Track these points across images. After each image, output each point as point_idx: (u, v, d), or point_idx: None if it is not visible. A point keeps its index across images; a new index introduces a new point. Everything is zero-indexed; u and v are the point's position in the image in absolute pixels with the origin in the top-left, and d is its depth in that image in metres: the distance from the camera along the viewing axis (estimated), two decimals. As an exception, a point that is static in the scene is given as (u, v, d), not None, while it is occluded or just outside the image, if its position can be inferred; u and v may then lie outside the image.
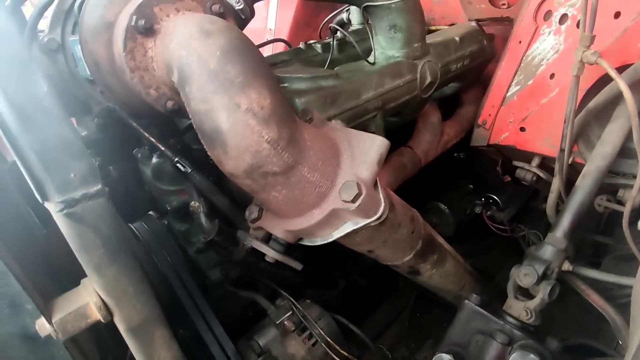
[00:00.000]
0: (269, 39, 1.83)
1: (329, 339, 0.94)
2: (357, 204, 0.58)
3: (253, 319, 1.03)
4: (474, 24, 1.34)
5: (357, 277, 1.29)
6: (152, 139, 0.76)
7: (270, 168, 0.53)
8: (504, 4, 1.23)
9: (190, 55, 0.51)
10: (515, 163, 1.12)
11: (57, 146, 0.36)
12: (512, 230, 1.50)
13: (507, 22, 1.29)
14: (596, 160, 0.88)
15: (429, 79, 1.10)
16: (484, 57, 1.33)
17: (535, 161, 1.10)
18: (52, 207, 0.37)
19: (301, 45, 1.29)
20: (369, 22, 1.07)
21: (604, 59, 0.81)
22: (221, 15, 0.62)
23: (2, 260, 0.38)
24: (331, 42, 1.27)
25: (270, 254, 0.65)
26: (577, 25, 0.91)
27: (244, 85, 0.50)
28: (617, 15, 0.83)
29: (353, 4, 1.10)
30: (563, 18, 0.96)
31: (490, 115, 1.16)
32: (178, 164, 0.78)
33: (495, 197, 1.55)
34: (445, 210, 1.55)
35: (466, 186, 1.63)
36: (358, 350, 1.07)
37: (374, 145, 0.62)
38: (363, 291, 1.32)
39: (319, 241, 0.67)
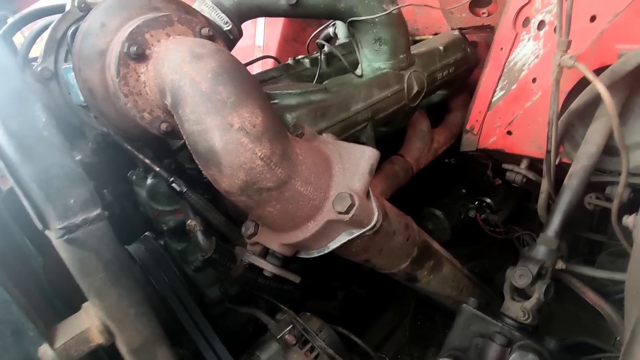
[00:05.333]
0: (257, 56, 1.86)
1: (330, 351, 0.94)
2: (350, 214, 0.59)
3: (254, 334, 1.03)
4: (457, 32, 1.37)
5: (355, 287, 1.29)
6: (147, 161, 0.77)
7: (264, 184, 0.55)
8: (484, 13, 1.27)
9: (182, 78, 0.53)
10: (505, 166, 1.15)
11: (57, 174, 0.37)
12: (506, 232, 1.52)
13: (489, 30, 1.33)
14: (581, 160, 0.90)
15: (415, 89, 1.13)
16: (468, 64, 1.36)
17: (524, 163, 1.13)
18: (53, 235, 0.38)
19: (290, 61, 1.31)
20: (355, 36, 1.09)
21: (583, 62, 0.84)
22: (210, 38, 0.64)
23: (5, 287, 0.38)
24: (319, 57, 1.30)
25: (268, 268, 0.66)
26: (555, 31, 0.94)
27: (235, 105, 0.52)
28: (592, 18, 0.86)
29: (338, 19, 1.12)
30: (541, 24, 0.99)
31: (477, 120, 1.19)
32: (173, 184, 0.79)
33: (488, 200, 1.58)
34: (440, 216, 1.57)
35: (459, 191, 1.65)
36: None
37: (364, 156, 0.63)
38: (363, 300, 1.32)
39: (315, 253, 0.68)
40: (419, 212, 1.55)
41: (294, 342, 0.92)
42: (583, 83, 0.90)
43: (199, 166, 0.56)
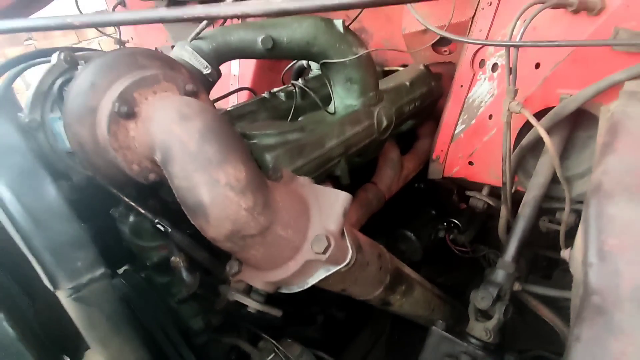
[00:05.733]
0: (233, 84, 1.91)
1: (311, 375, 0.98)
2: (327, 254, 0.66)
3: (239, 363, 1.06)
4: (422, 66, 1.48)
5: (334, 311, 1.35)
6: (132, 203, 0.81)
7: (248, 232, 0.60)
8: (445, 51, 1.38)
9: (171, 138, 0.58)
10: (468, 193, 1.24)
11: (66, 241, 0.42)
12: (473, 250, 1.62)
13: (451, 65, 1.44)
14: (533, 190, 1.01)
15: (385, 123, 1.22)
16: (433, 96, 1.47)
17: (485, 190, 1.23)
18: (63, 294, 0.42)
19: (266, 94, 1.37)
20: (327, 75, 1.17)
21: (529, 104, 0.95)
22: (194, 94, 0.70)
23: (16, 335, 0.42)
24: (293, 90, 1.37)
25: (253, 305, 0.71)
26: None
27: (221, 162, 0.57)
28: (537, 65, 0.97)
29: (312, 61, 1.20)
30: (494, 66, 1.10)
31: (442, 151, 1.28)
32: (158, 225, 0.82)
33: (456, 221, 1.68)
34: (411, 237, 1.66)
35: (429, 213, 1.74)
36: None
37: (338, 200, 0.70)
38: (341, 323, 1.38)
39: (295, 289, 0.73)
40: (392, 234, 1.63)
41: (273, 369, 0.96)
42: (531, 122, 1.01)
43: (188, 216, 0.61)
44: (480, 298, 0.92)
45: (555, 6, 0.83)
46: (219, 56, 1.03)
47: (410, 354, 1.53)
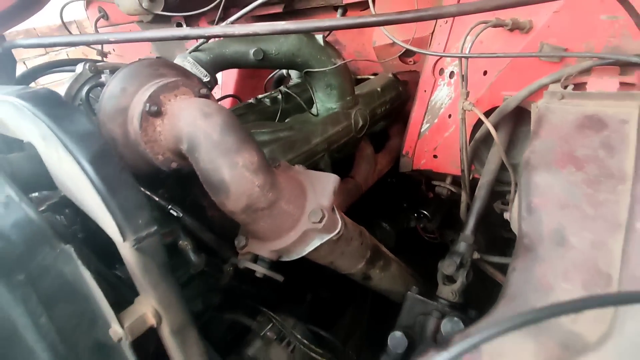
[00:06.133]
0: (216, 93, 2.04)
1: (305, 342, 1.12)
2: (322, 224, 0.81)
3: (237, 338, 1.19)
4: (390, 74, 1.68)
5: (321, 290, 1.49)
6: (148, 192, 0.93)
7: (259, 205, 0.75)
8: (410, 61, 1.58)
9: (197, 131, 0.72)
10: (434, 182, 1.43)
11: (132, 204, 0.55)
12: (441, 236, 1.81)
13: (416, 73, 1.64)
14: (486, 176, 1.20)
15: (361, 123, 1.39)
16: (401, 100, 1.66)
17: (448, 179, 1.42)
18: (128, 244, 0.56)
19: (252, 100, 1.52)
20: (309, 82, 1.34)
21: (479, 105, 1.14)
22: (207, 96, 0.84)
23: (91, 280, 0.55)
24: (277, 96, 1.52)
25: (261, 270, 0.85)
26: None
27: (238, 149, 0.72)
28: (485, 73, 1.17)
29: (296, 70, 1.36)
30: (451, 74, 1.30)
31: (410, 147, 1.47)
32: (172, 210, 0.95)
33: (425, 212, 1.87)
34: (386, 227, 1.84)
35: (401, 205, 1.93)
36: (329, 353, 1.26)
37: (329, 181, 0.86)
38: (327, 302, 1.52)
39: (294, 256, 0.88)
40: (368, 224, 1.80)
41: (275, 337, 1.10)
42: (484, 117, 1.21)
43: (210, 193, 0.75)
44: (446, 265, 1.10)
45: (495, 25, 1.03)
46: (215, 65, 1.17)
47: (388, 329, 1.70)
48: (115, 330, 0.58)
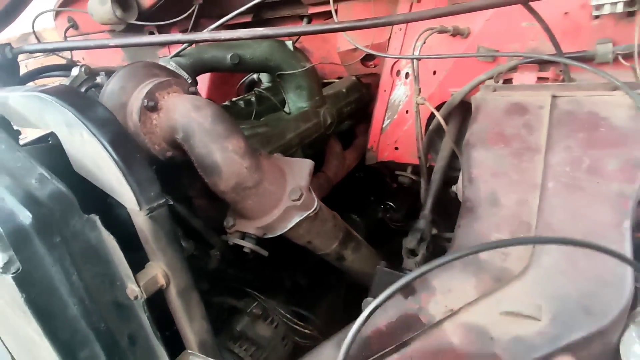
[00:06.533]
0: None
1: (288, 316, 1.24)
2: (301, 201, 0.94)
3: (225, 321, 1.29)
4: (354, 78, 1.84)
5: (299, 277, 1.61)
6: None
7: (247, 184, 0.87)
8: (371, 65, 1.76)
9: (190, 121, 0.84)
10: (397, 172, 1.60)
11: (146, 179, 0.66)
12: (406, 225, 1.99)
13: (376, 75, 1.82)
14: (439, 162, 1.38)
15: (329, 120, 1.54)
16: (364, 101, 1.83)
17: (409, 169, 1.59)
18: (143, 213, 0.66)
19: (227, 102, 1.64)
20: (281, 84, 1.47)
21: (431, 100, 1.32)
22: (195, 93, 0.96)
23: (114, 245, 0.65)
24: (250, 98, 1.65)
25: (249, 245, 0.97)
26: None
27: (227, 136, 0.84)
28: (434, 72, 1.36)
29: (268, 73, 1.49)
30: (406, 75, 1.48)
31: (374, 141, 1.63)
32: (163, 199, 1.05)
33: (391, 203, 2.04)
34: (356, 219, 1.99)
35: (368, 198, 2.10)
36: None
37: (305, 165, 0.99)
38: (304, 289, 1.65)
39: (277, 232, 1.00)
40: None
41: (260, 313, 1.20)
42: (437, 110, 1.39)
43: (203, 176, 0.86)
44: (409, 240, 1.26)
45: (440, 31, 1.22)
46: (195, 69, 1.29)
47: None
48: (133, 289, 0.68)
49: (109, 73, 0.96)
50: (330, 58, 2.01)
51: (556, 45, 0.99)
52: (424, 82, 1.31)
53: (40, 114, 0.69)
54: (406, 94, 1.49)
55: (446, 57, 1.19)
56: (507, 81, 1.12)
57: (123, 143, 0.65)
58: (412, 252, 1.28)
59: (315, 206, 0.99)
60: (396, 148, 1.56)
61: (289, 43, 1.39)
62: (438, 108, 1.33)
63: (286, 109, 1.47)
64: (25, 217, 0.57)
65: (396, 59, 1.51)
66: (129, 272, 0.67)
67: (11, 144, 0.66)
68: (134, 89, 0.88)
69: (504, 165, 0.90)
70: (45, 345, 0.66)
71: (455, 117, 1.39)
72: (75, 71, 0.98)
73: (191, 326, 0.78)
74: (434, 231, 1.32)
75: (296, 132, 1.39)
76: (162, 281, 0.72)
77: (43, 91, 0.67)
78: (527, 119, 0.95)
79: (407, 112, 1.50)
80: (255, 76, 1.95)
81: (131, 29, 2.02)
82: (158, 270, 0.71)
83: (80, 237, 0.63)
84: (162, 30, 2.08)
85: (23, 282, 0.57)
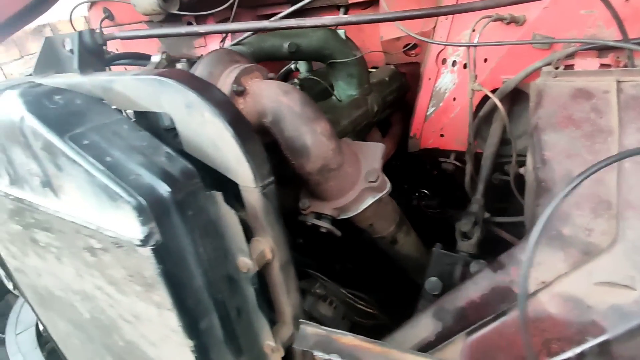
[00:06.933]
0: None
1: (350, 297, 1.29)
2: (377, 183, 0.98)
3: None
4: (392, 67, 1.87)
5: (347, 263, 1.66)
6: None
7: (332, 166, 0.91)
8: (413, 54, 1.78)
9: (280, 105, 0.87)
10: (441, 159, 1.63)
11: (260, 156, 0.70)
12: (442, 212, 2.03)
13: (415, 65, 1.85)
14: (489, 148, 1.41)
15: (376, 108, 1.57)
16: (404, 90, 1.86)
17: (453, 156, 1.62)
18: (257, 190, 0.70)
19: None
20: (333, 72, 1.50)
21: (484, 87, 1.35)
22: (273, 79, 0.99)
23: (233, 219, 0.69)
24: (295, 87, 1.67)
25: (325, 225, 1.00)
26: (464, 67, 1.46)
27: (316, 118, 0.87)
28: (485, 60, 1.39)
29: (321, 61, 1.51)
30: (454, 63, 1.51)
31: (418, 129, 1.66)
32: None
33: (425, 191, 2.08)
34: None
35: (402, 186, 2.13)
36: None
37: (377, 148, 1.03)
38: (350, 272, 1.69)
39: (350, 214, 1.04)
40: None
41: (323, 294, 1.25)
42: (484, 100, 1.42)
43: (290, 158, 0.90)
44: (463, 224, 1.29)
45: (496, 20, 1.25)
46: (256, 58, 1.32)
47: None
48: (246, 262, 0.72)
49: (190, 60, 0.99)
50: (365, 47, 2.03)
51: (623, 31, 1.02)
52: (476, 70, 1.34)
53: (156, 96, 0.72)
54: (453, 81, 1.52)
55: (505, 43, 1.21)
56: (567, 68, 1.15)
57: (241, 123, 0.69)
58: (465, 235, 1.32)
59: (388, 188, 1.03)
60: (442, 135, 1.59)
61: (342, 32, 1.41)
62: (488, 96, 1.36)
63: (336, 97, 1.50)
64: (164, 190, 0.61)
65: (442, 48, 1.53)
66: (245, 246, 0.71)
67: (132, 124, 0.70)
68: (221, 75, 0.92)
69: (577, 147, 0.93)
70: (165, 317, 0.70)
71: (504, 104, 1.41)
72: (156, 58, 1.01)
73: (288, 299, 0.82)
74: (487, 215, 1.35)
75: (349, 119, 1.42)
76: (269, 255, 0.75)
77: (160, 74, 0.70)
78: (595, 103, 0.98)
79: (454, 99, 1.52)
80: (292, 66, 1.98)
81: (169, 20, 2.05)
82: (266, 245, 0.75)
83: (204, 211, 0.67)
84: (199, 20, 2.11)
85: (161, 254, 0.61)
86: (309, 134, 0.86)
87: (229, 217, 0.69)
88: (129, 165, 0.61)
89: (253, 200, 0.72)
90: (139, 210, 0.58)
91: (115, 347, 1.00)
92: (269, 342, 0.82)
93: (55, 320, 1.30)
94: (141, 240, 0.59)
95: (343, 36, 1.41)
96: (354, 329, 1.33)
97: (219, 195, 0.68)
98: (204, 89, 0.68)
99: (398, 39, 1.71)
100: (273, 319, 0.85)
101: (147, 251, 0.60)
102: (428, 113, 1.62)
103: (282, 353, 0.82)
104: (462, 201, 1.68)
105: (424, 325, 0.79)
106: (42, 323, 1.48)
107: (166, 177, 0.62)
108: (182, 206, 0.62)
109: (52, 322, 1.37)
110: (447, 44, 1.45)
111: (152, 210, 0.59)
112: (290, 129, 0.87)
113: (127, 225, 0.60)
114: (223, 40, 1.93)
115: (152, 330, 0.77)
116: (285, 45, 1.32)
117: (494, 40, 1.34)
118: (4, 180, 0.86)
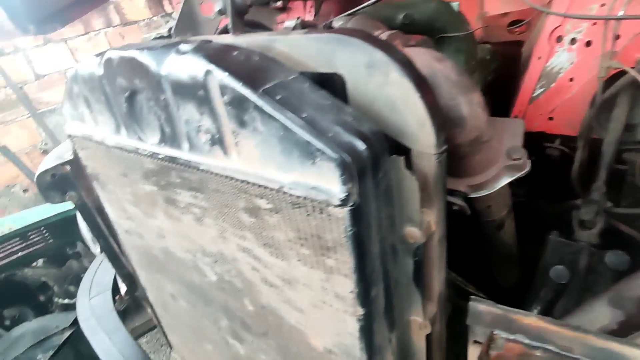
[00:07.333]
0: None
1: (459, 279, 1.25)
2: (520, 161, 0.92)
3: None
4: (489, 46, 1.77)
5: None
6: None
7: (484, 138, 0.86)
8: (516, 32, 1.68)
9: (435, 72, 0.82)
10: (546, 144, 1.54)
11: (441, 122, 0.66)
12: (529, 202, 1.93)
13: (514, 44, 1.74)
14: (612, 134, 1.31)
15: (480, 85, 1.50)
16: (502, 70, 1.76)
17: (557, 141, 1.53)
18: (435, 157, 0.66)
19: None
20: (440, 47, 1.43)
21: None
22: (413, 46, 0.94)
23: (413, 185, 0.65)
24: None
25: (459, 202, 0.96)
26: (586, 44, 1.35)
27: (472, 88, 0.82)
28: (617, 37, 1.28)
29: (430, 35, 1.45)
30: (573, 40, 1.40)
31: (520, 111, 1.57)
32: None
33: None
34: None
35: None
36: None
37: (518, 124, 0.97)
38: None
39: (484, 192, 0.98)
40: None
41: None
42: (607, 82, 1.31)
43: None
44: (584, 212, 1.21)
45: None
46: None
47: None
48: (415, 232, 0.69)
49: (326, 26, 0.96)
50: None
51: None
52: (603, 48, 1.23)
53: (330, 55, 0.69)
54: (570, 61, 1.42)
55: (652, 17, 1.11)
56: None
57: (425, 85, 0.65)
58: (585, 225, 1.24)
59: (527, 167, 0.96)
60: (550, 118, 1.50)
61: (455, 4, 1.34)
62: (614, 77, 1.25)
63: (440, 74, 1.44)
64: (363, 149, 0.58)
65: (558, 25, 1.43)
66: (417, 216, 0.67)
67: (312, 83, 0.67)
68: (366, 40, 0.88)
69: None
70: (334, 282, 0.68)
71: (630, 88, 1.30)
72: (290, 23, 0.98)
73: (439, 275, 0.79)
74: (609, 205, 1.26)
75: (459, 96, 1.35)
76: (434, 227, 0.72)
77: (340, 32, 0.67)
78: None
79: (571, 80, 1.42)
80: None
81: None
82: (431, 216, 0.72)
83: (387, 176, 0.64)
84: (285, -4, 2.08)
85: (354, 216, 0.59)
86: (467, 104, 0.82)
87: (409, 184, 0.66)
88: (323, 123, 0.59)
89: (428, 167, 0.68)
90: (343, 167, 0.55)
91: (240, 312, 1.01)
92: (416, 318, 0.79)
93: (162, 283, 1.33)
94: (341, 200, 0.57)
95: (456, 9, 1.34)
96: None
97: (401, 160, 0.64)
98: (390, 49, 0.65)
99: (505, 14, 1.61)
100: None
101: (343, 212, 0.58)
102: (535, 94, 1.52)
103: (428, 330, 0.79)
104: (554, 192, 1.58)
105: (600, 313, 0.74)
106: (140, 285, 1.53)
107: (361, 136, 0.59)
108: (376, 167, 0.60)
109: (156, 285, 1.40)
110: (587, 17, 1.34)
111: (354, 168, 0.56)
112: (447, 97, 0.82)
113: (324, 184, 0.57)
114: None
115: (305, 295, 0.76)
116: (400, 16, 1.26)
117: (628, 14, 1.22)
118: (150, 139, 0.86)
